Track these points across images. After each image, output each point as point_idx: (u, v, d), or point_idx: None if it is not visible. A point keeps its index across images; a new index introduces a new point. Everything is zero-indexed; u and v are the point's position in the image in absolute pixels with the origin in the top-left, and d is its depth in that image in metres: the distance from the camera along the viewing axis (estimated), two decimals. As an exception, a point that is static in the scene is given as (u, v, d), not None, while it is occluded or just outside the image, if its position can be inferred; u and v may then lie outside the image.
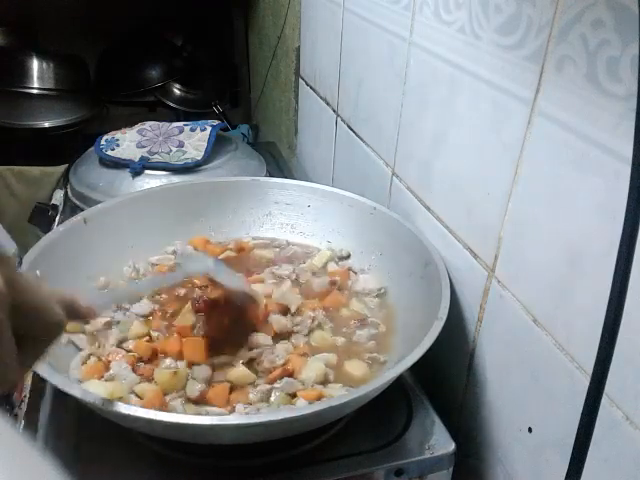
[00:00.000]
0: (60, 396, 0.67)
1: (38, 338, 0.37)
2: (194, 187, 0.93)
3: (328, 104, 1.13)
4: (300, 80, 1.32)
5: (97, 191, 1.06)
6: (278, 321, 0.73)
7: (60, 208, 1.13)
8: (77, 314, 0.42)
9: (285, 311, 0.75)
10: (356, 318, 0.76)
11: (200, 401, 0.63)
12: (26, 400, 0.69)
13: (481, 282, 0.65)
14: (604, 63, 0.44)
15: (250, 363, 0.68)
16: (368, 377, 0.67)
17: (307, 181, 0.95)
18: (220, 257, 0.86)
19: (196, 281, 0.80)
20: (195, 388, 0.63)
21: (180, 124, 1.17)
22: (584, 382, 0.49)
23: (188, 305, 0.73)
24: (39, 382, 0.70)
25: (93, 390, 0.59)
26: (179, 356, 0.68)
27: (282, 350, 0.69)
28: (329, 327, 0.74)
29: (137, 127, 1.17)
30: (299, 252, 0.89)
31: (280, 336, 0.72)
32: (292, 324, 0.73)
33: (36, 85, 1.64)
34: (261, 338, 0.71)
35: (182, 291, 0.79)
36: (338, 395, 0.61)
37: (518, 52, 0.55)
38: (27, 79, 1.63)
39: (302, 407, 0.59)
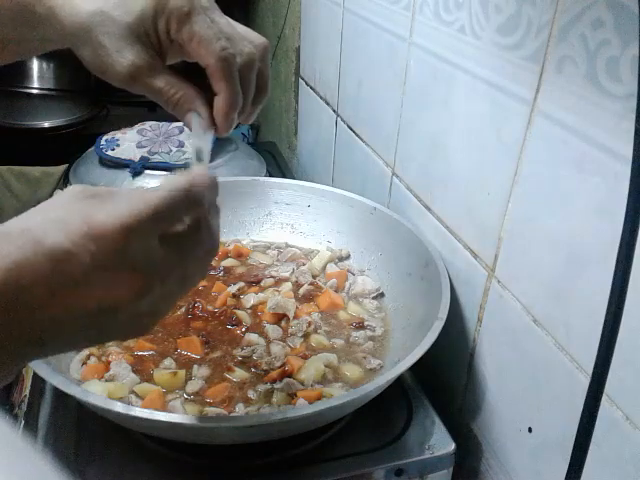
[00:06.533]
0: (60, 396, 0.67)
1: None
2: (194, 187, 0.92)
3: (328, 104, 1.13)
4: (300, 80, 1.32)
5: (97, 191, 1.06)
6: (275, 330, 0.73)
7: (60, 208, 1.13)
8: None
9: (281, 318, 0.75)
10: (353, 321, 0.76)
11: (199, 398, 0.63)
12: (26, 400, 0.69)
13: (481, 282, 0.65)
14: (604, 63, 0.44)
15: (247, 364, 0.68)
16: (365, 379, 0.67)
17: (307, 181, 0.95)
18: (222, 264, 0.86)
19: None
20: (195, 385, 0.64)
21: (180, 124, 1.17)
22: (584, 382, 0.49)
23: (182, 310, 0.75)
24: (39, 382, 0.70)
25: (93, 390, 0.59)
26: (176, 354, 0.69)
27: (279, 351, 0.69)
28: (325, 330, 0.74)
29: (137, 127, 1.17)
30: (298, 254, 0.89)
31: (275, 338, 0.72)
32: (288, 327, 0.74)
33: (36, 85, 1.63)
34: (253, 337, 0.71)
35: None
36: (338, 395, 0.61)
37: (518, 52, 0.55)
38: (27, 79, 1.63)
39: (302, 407, 0.59)
